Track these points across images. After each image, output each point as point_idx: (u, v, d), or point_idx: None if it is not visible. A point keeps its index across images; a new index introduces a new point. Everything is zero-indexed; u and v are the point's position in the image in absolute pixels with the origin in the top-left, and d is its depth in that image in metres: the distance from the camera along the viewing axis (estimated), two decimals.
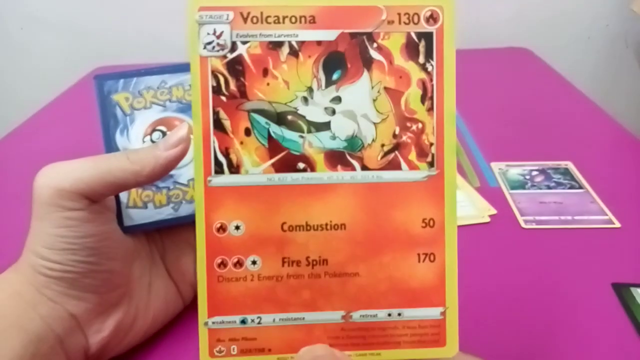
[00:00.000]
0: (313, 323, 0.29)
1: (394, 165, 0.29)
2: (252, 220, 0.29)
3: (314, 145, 0.29)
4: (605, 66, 1.14)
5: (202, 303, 0.28)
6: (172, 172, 0.36)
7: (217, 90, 0.28)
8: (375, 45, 0.28)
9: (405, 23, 0.28)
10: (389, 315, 0.29)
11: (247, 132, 0.28)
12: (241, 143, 0.28)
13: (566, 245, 0.47)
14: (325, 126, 0.29)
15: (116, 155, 0.33)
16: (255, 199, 0.29)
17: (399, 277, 0.29)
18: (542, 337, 0.36)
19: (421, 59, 0.29)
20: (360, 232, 0.29)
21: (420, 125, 0.29)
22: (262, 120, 0.28)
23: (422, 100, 0.29)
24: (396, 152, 0.29)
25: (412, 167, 0.29)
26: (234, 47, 0.28)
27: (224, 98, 0.28)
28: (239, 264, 0.29)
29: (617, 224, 0.49)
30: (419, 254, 0.29)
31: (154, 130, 0.37)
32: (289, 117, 0.29)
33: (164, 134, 0.37)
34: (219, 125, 0.28)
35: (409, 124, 0.29)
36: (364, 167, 0.29)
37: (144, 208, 0.36)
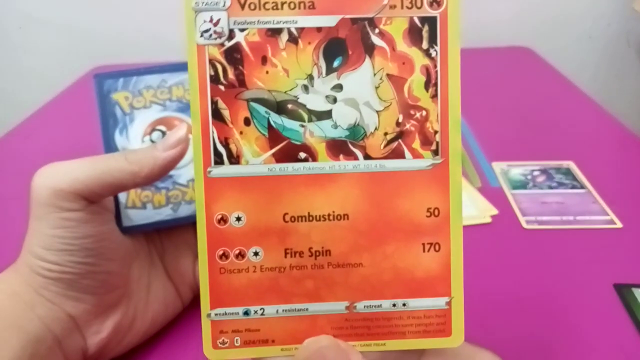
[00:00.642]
0: (317, 314, 0.28)
1: (397, 154, 0.28)
2: (253, 211, 0.28)
3: (315, 134, 0.28)
4: (607, 65, 1.13)
5: (204, 295, 0.28)
6: (171, 173, 0.36)
7: (215, 80, 0.27)
8: (377, 30, 0.28)
9: (407, 7, 0.28)
10: (394, 305, 0.29)
11: (247, 121, 0.28)
12: (241, 133, 0.28)
13: (568, 245, 0.46)
14: (327, 115, 0.28)
15: (114, 155, 0.32)
16: (256, 190, 0.28)
17: (403, 267, 0.28)
18: (544, 337, 0.36)
19: (425, 45, 0.28)
20: (363, 222, 0.28)
21: (424, 112, 0.28)
22: (261, 109, 0.28)
23: (426, 87, 0.28)
24: (400, 140, 0.28)
25: (416, 155, 0.28)
26: (231, 34, 0.27)
27: (222, 87, 0.27)
28: (240, 255, 0.28)
29: (619, 224, 0.49)
30: (423, 244, 0.29)
31: (153, 129, 0.37)
32: (289, 105, 0.28)
33: (163, 133, 0.37)
34: (217, 115, 0.28)
35: (412, 112, 0.28)
36: (367, 156, 0.28)
37: (143, 208, 0.36)
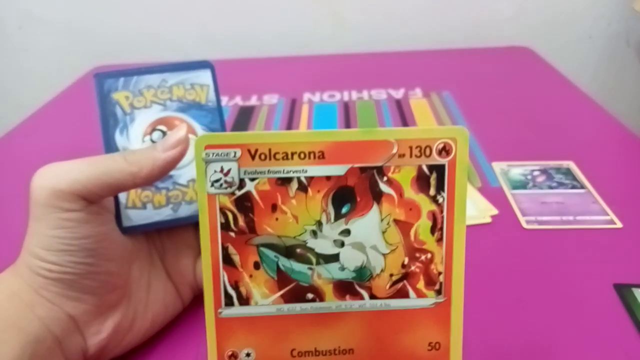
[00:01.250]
0: None
1: (402, 294, 0.29)
2: (262, 348, 0.29)
3: (322, 276, 0.29)
4: (606, 65, 1.11)
5: None
6: (171, 173, 0.36)
7: (225, 227, 0.28)
8: (385, 178, 0.28)
9: (416, 156, 0.28)
10: None
11: (256, 265, 0.29)
12: (250, 276, 0.29)
13: (568, 245, 0.47)
14: (334, 258, 0.29)
15: (114, 156, 0.32)
16: (265, 328, 0.29)
17: None
18: (544, 337, 0.37)
19: (432, 192, 0.28)
20: (367, 356, 0.30)
21: (429, 255, 0.29)
22: (271, 254, 0.28)
23: (432, 231, 0.29)
24: (405, 281, 0.29)
25: (420, 295, 0.29)
26: (242, 184, 0.28)
27: (232, 234, 0.28)
28: None
29: (619, 224, 0.49)
30: None
31: (154, 129, 0.37)
32: (298, 250, 0.28)
33: (164, 133, 0.36)
34: (228, 260, 0.28)
35: (418, 254, 0.29)
36: (372, 296, 0.29)
37: (143, 209, 0.36)
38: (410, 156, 0.28)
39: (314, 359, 0.30)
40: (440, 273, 0.29)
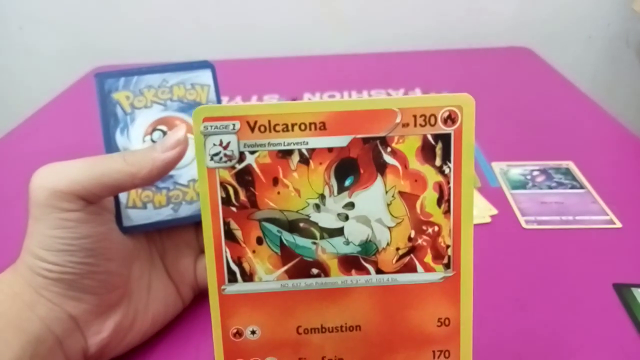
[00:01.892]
0: None
1: (409, 268, 0.28)
2: (268, 325, 0.29)
3: (327, 251, 0.28)
4: (606, 66, 1.11)
5: None
6: (172, 173, 0.36)
7: (226, 202, 0.27)
8: (389, 149, 0.27)
9: (421, 125, 0.27)
10: None
11: (259, 240, 0.28)
12: (253, 252, 0.28)
13: (567, 245, 0.47)
14: (339, 232, 0.28)
15: (113, 156, 0.32)
16: (270, 305, 0.29)
17: None
18: (543, 337, 0.37)
19: (438, 162, 0.27)
20: (375, 332, 0.29)
21: (436, 228, 0.28)
22: (273, 228, 0.28)
23: (439, 203, 0.28)
24: (411, 255, 0.28)
25: (428, 269, 0.28)
26: (242, 157, 0.27)
27: (234, 209, 0.27)
28: None
29: (619, 224, 0.49)
30: (434, 351, 0.29)
31: (154, 129, 0.37)
32: (301, 224, 0.28)
33: (164, 133, 0.36)
34: (230, 235, 0.28)
35: (424, 227, 0.28)
36: (379, 271, 0.28)
37: (144, 209, 0.36)
38: (415, 125, 0.27)
39: (321, 336, 0.29)
40: (448, 246, 0.28)
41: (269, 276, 0.28)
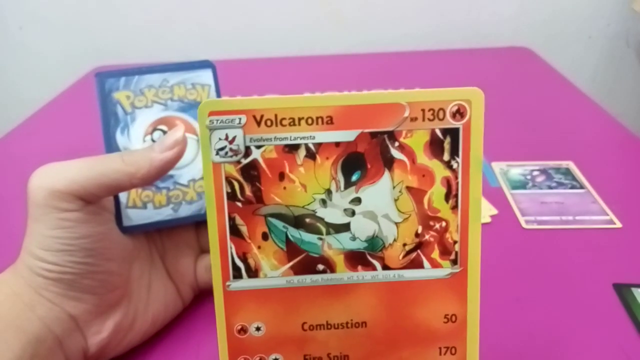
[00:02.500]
0: None
1: (416, 264, 0.28)
2: (273, 321, 0.28)
3: (333, 246, 0.28)
4: (606, 66, 1.12)
5: None
6: (172, 173, 0.36)
7: (232, 197, 0.27)
8: (396, 144, 0.27)
9: (429, 119, 0.27)
10: None
11: (265, 236, 0.28)
12: (259, 247, 0.28)
13: (567, 245, 0.46)
14: (345, 227, 0.28)
15: (111, 156, 0.32)
16: (275, 301, 0.28)
17: None
18: (543, 337, 0.37)
19: (446, 157, 0.27)
20: (381, 329, 0.29)
21: (443, 223, 0.28)
22: (279, 224, 0.28)
23: (446, 198, 0.28)
24: (419, 250, 0.28)
25: (435, 265, 0.28)
26: (247, 151, 0.27)
27: (239, 204, 0.27)
28: None
29: (619, 224, 0.49)
30: (440, 348, 0.29)
31: (155, 129, 0.37)
32: (307, 220, 0.28)
33: (165, 133, 0.36)
34: (235, 231, 0.27)
35: (432, 223, 0.28)
36: (385, 267, 0.28)
37: (144, 208, 0.36)
38: (423, 120, 0.27)
39: (326, 333, 0.29)
40: (455, 242, 0.28)
41: (274, 272, 0.28)
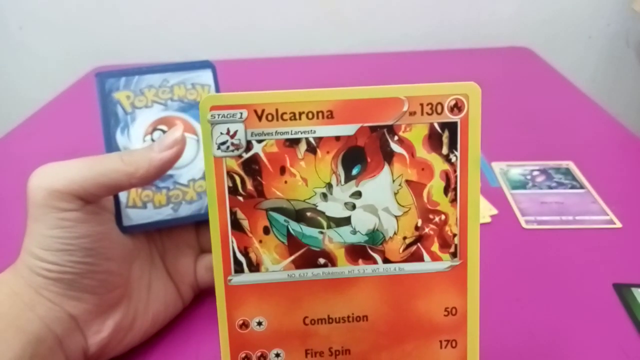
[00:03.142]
0: None
1: (416, 257, 0.28)
2: (274, 316, 0.29)
3: (334, 240, 0.28)
4: (606, 66, 1.12)
5: None
6: (171, 172, 0.36)
7: (233, 191, 0.27)
8: (396, 138, 0.27)
9: (428, 114, 0.27)
10: None
11: (266, 230, 0.28)
12: (260, 242, 0.28)
13: (567, 245, 0.47)
14: (346, 221, 0.28)
15: (110, 156, 0.32)
16: (277, 295, 0.28)
17: None
18: (543, 337, 0.37)
19: (444, 150, 0.27)
20: (382, 322, 0.29)
21: (443, 216, 0.28)
22: (280, 218, 0.28)
23: (445, 191, 0.28)
24: (418, 244, 0.28)
25: (435, 258, 0.28)
26: (249, 146, 0.27)
27: (240, 198, 0.27)
28: (263, 357, 0.29)
29: (619, 224, 0.49)
30: (441, 341, 0.29)
31: (155, 129, 0.37)
32: (308, 213, 0.28)
33: (165, 133, 0.36)
34: (236, 225, 0.28)
35: (431, 216, 0.28)
36: (386, 260, 0.28)
37: (144, 208, 0.36)
38: (422, 114, 0.27)
39: (328, 327, 0.29)
40: (455, 235, 0.28)
41: (275, 266, 0.28)
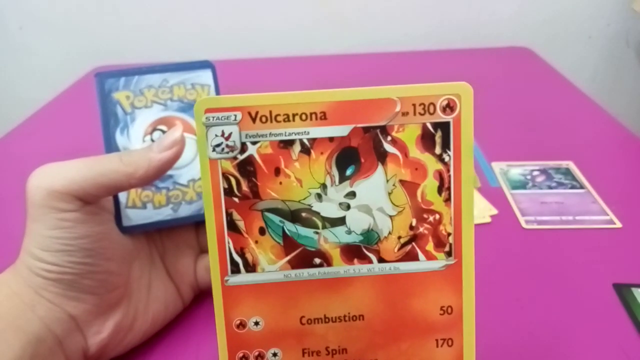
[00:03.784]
0: None
1: (411, 257, 0.29)
2: (271, 316, 0.29)
3: (329, 240, 0.28)
4: (606, 66, 1.12)
5: None
6: (171, 173, 0.36)
7: (228, 192, 0.28)
8: (389, 138, 0.27)
9: (420, 114, 0.27)
10: None
11: (262, 231, 0.28)
12: (256, 242, 0.28)
13: (567, 245, 0.47)
14: (340, 221, 0.28)
15: (109, 156, 0.32)
16: (273, 295, 0.29)
17: None
18: (543, 337, 0.37)
19: (437, 150, 0.28)
20: (378, 321, 0.29)
21: (437, 216, 0.28)
22: (276, 218, 0.28)
23: (439, 191, 0.28)
24: (413, 243, 0.28)
25: (430, 257, 0.29)
26: (243, 147, 0.27)
27: (236, 199, 0.28)
28: (260, 357, 0.29)
29: (619, 224, 0.49)
30: (437, 340, 0.29)
31: (154, 129, 0.37)
32: (303, 214, 0.28)
33: (164, 133, 0.36)
34: (232, 226, 0.28)
35: (425, 215, 0.28)
36: (381, 260, 0.29)
37: (143, 208, 0.36)
38: (414, 114, 0.27)
39: (324, 326, 0.29)
40: (449, 234, 0.28)
41: (271, 266, 0.28)
